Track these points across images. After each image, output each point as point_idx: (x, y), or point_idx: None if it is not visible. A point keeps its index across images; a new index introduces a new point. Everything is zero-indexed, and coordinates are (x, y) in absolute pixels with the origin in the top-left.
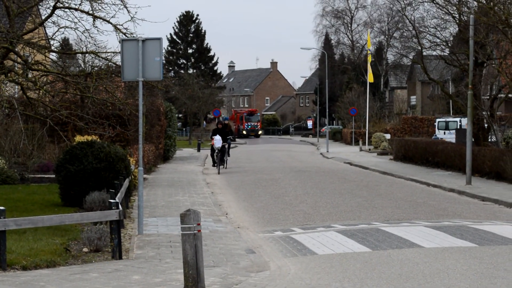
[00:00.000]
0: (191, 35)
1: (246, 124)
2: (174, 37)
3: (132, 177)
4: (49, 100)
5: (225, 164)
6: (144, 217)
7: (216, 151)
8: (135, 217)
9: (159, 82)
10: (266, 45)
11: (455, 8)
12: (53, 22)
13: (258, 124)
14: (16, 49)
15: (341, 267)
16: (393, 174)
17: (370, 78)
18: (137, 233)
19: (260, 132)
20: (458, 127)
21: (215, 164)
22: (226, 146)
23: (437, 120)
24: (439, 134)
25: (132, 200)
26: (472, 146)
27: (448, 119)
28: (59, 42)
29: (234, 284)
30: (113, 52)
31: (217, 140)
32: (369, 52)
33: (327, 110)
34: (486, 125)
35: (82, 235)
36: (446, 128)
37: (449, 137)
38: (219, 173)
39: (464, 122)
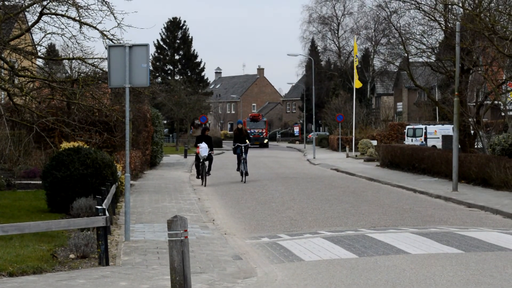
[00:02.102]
0: (178, 41)
1: (249, 131)
2: (161, 43)
3: (119, 183)
4: (36, 106)
5: (244, 177)
6: (131, 224)
7: (202, 160)
8: (122, 224)
9: (145, 88)
10: (253, 52)
11: (441, 14)
12: (40, 28)
13: (264, 131)
14: (3, 55)
15: (327, 273)
16: (379, 181)
17: (357, 84)
18: (124, 240)
19: (266, 140)
20: (423, 134)
21: (200, 176)
22: (244, 155)
23: (407, 127)
24: (407, 140)
25: (119, 206)
26: (459, 153)
27: (415, 126)
28: (46, 48)
29: None
30: (100, 58)
31: (203, 149)
32: (356, 58)
33: (313, 116)
34: (472, 131)
35: (69, 241)
36: (414, 135)
37: (416, 144)
38: (205, 185)
39: (430, 129)
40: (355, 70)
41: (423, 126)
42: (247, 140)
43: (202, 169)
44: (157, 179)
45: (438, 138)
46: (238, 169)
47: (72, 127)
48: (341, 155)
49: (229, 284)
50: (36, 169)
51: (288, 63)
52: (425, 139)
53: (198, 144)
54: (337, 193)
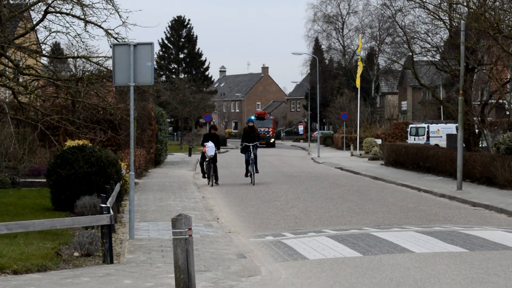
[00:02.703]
0: (182, 40)
1: None
2: (166, 41)
3: (123, 181)
4: (40, 105)
5: (253, 180)
6: (135, 222)
7: (208, 159)
8: (126, 222)
9: (150, 87)
10: (257, 50)
11: (445, 13)
12: (45, 27)
13: (270, 129)
14: (7, 54)
15: (332, 272)
16: (384, 179)
17: (357, 83)
18: (128, 238)
19: (273, 140)
20: (426, 133)
21: (205, 175)
22: (253, 155)
23: (410, 126)
24: (410, 139)
25: (123, 204)
26: (463, 152)
27: (418, 125)
28: (50, 46)
29: None
30: (105, 57)
31: (210, 148)
32: (359, 57)
33: (318, 115)
34: (477, 130)
35: (73, 239)
36: (416, 134)
37: (419, 142)
38: (212, 185)
39: (433, 128)
40: (358, 70)
41: (426, 125)
42: (256, 140)
43: (209, 168)
44: (161, 177)
45: (441, 137)
46: (246, 174)
47: (77, 125)
48: (345, 153)
49: (233, 283)
50: (41, 167)
51: (293, 62)
52: (428, 138)
53: (205, 143)
54: (342, 192)
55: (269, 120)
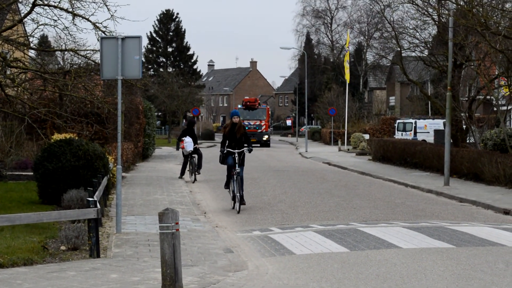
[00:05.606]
0: (171, 33)
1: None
2: (154, 35)
3: (111, 175)
4: (28, 98)
5: (236, 204)
6: (122, 216)
7: (189, 155)
8: (113, 216)
9: (138, 81)
10: (245, 44)
11: (434, 9)
12: (32, 19)
13: (263, 123)
14: None
15: (319, 267)
16: (371, 175)
17: (347, 77)
18: (115, 232)
19: (266, 136)
20: (413, 128)
21: (182, 176)
22: (239, 168)
23: (397, 121)
24: (398, 134)
25: (111, 198)
26: (451, 147)
27: (405, 121)
28: (38, 39)
29: (212, 284)
30: (92, 50)
31: (188, 143)
32: (348, 50)
33: (306, 110)
34: (464, 126)
35: (60, 233)
36: (404, 129)
37: (406, 138)
38: (193, 181)
39: (420, 123)
40: (345, 64)
41: (413, 120)
42: (245, 144)
43: (191, 164)
44: (149, 171)
45: (429, 132)
46: (226, 185)
47: (64, 119)
48: (333, 148)
49: (220, 277)
50: (28, 161)
51: (281, 56)
52: (415, 133)
53: (183, 138)
54: (329, 187)
55: (262, 110)
